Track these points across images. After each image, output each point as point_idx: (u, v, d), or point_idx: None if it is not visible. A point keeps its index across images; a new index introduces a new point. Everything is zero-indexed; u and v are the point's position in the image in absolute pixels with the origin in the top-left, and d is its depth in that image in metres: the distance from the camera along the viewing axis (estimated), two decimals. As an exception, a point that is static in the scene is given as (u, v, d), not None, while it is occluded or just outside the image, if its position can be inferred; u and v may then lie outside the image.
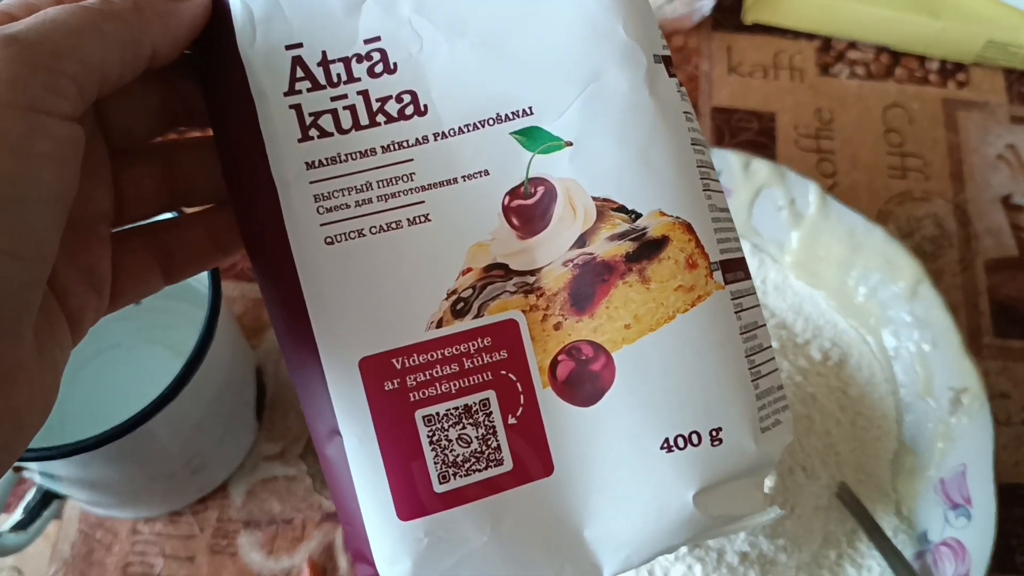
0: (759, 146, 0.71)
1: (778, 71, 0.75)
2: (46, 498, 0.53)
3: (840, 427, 0.56)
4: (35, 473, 0.51)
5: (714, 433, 0.30)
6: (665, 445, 0.30)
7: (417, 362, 0.29)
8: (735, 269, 0.32)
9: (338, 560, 0.57)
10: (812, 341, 0.59)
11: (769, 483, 0.49)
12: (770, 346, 0.33)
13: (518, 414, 0.30)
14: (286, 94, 0.30)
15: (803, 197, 0.59)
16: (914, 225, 0.69)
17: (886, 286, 0.58)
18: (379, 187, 0.30)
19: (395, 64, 0.30)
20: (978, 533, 0.51)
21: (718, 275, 0.31)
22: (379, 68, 0.30)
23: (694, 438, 0.30)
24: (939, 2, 0.73)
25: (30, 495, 0.52)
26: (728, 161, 0.60)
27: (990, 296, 0.67)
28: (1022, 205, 0.70)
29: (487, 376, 0.30)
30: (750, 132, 0.72)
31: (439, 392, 0.29)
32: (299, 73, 0.30)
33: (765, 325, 0.33)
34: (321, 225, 0.30)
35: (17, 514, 0.52)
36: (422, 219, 0.30)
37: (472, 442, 0.29)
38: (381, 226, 0.30)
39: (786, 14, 0.75)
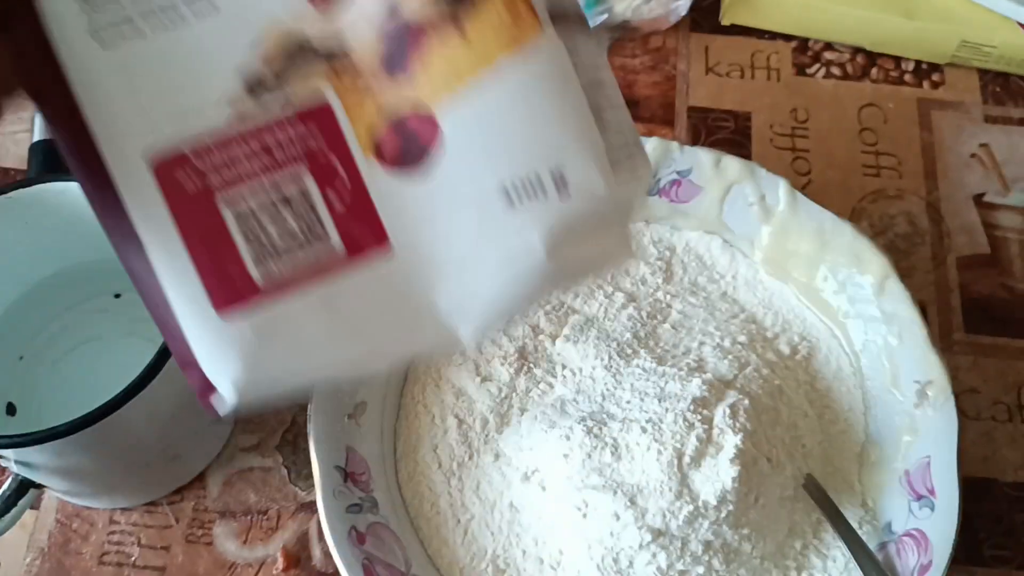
0: (735, 145, 0.72)
1: (755, 71, 0.76)
2: (22, 487, 0.53)
3: (807, 420, 0.57)
4: (11, 461, 0.51)
5: (558, 177, 0.28)
6: (506, 197, 0.28)
7: (217, 153, 0.27)
8: (569, 23, 0.29)
9: (312, 549, 0.58)
10: (781, 335, 0.60)
11: (733, 472, 0.50)
12: (622, 106, 0.30)
13: (341, 192, 0.28)
14: None
15: (773, 193, 0.60)
16: (887, 222, 0.70)
17: (854, 281, 0.59)
18: None
19: None
20: (941, 523, 0.51)
21: (548, 28, 0.28)
22: None
23: (535, 185, 0.28)
24: (914, 3, 0.74)
25: (6, 484, 0.53)
26: (699, 158, 0.61)
27: (962, 293, 0.67)
28: (995, 203, 0.71)
29: (300, 157, 0.28)
30: (726, 131, 0.73)
31: (247, 181, 0.27)
32: None
33: (616, 89, 0.30)
34: (92, 31, 0.27)
35: (-7, 502, 0.53)
36: (208, 9, 0.27)
37: (292, 227, 0.28)
38: (163, 23, 0.27)
39: (763, 16, 0.76)
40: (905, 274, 0.66)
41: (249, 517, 0.59)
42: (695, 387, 0.54)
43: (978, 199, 0.71)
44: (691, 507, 0.50)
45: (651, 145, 0.61)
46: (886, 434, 0.56)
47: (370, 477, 0.54)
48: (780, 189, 0.60)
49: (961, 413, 0.59)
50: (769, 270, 0.62)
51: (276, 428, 0.61)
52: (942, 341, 0.65)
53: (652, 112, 0.73)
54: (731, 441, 0.51)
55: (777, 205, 0.60)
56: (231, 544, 0.58)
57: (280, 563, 0.57)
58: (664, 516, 0.50)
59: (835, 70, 0.76)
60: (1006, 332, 0.66)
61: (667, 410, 0.52)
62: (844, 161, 0.72)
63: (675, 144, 0.61)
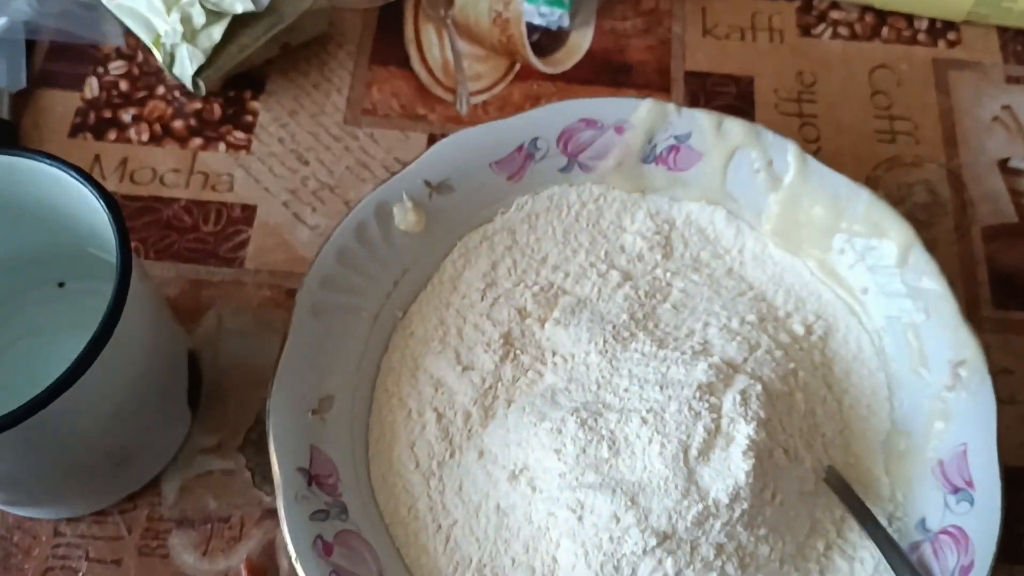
0: (737, 111, 0.66)
1: (756, 33, 0.70)
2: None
3: (826, 406, 0.51)
4: (-65, 469, 0.45)
5: None
6: None
7: None
8: None
9: (279, 560, 0.52)
10: (794, 314, 0.54)
11: (746, 465, 0.44)
12: None
13: None
14: None
15: (781, 158, 0.55)
16: (905, 192, 0.64)
17: (874, 252, 0.53)
18: None
19: None
20: (982, 519, 0.46)
21: None
22: None
23: None
24: (927, -44, 0.68)
25: (-69, 494, 0.47)
26: (698, 121, 0.55)
27: (988, 265, 0.62)
28: (1020, 169, 0.65)
29: None
30: (727, 97, 0.67)
31: None
32: None
33: None
34: None
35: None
36: None
37: None
38: None
39: (764, -27, 0.70)
40: (927, 247, 0.61)
41: (209, 526, 0.53)
42: (700, 372, 0.48)
43: (1002, 165, 0.65)
44: (700, 506, 0.44)
45: (646, 107, 0.55)
46: (915, 420, 0.50)
47: (338, 480, 0.48)
48: (789, 153, 0.55)
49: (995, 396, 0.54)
50: (779, 243, 0.56)
51: (238, 427, 0.55)
52: (970, 318, 0.59)
53: (646, 78, 0.68)
54: (743, 431, 0.45)
55: (786, 171, 0.55)
56: (189, 556, 0.52)
57: (244, 575, 0.52)
58: (670, 517, 0.44)
59: (842, 30, 0.70)
60: (1038, 307, 0.61)
61: (670, 398, 0.47)
62: (855, 127, 0.66)
63: (672, 106, 0.55)
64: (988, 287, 0.61)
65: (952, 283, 0.59)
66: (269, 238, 0.61)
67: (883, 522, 0.48)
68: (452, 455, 0.50)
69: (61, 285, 0.56)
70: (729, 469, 0.45)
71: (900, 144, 0.66)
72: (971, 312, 0.60)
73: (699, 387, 0.47)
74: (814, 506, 0.49)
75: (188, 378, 0.54)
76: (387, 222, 0.53)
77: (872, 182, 0.64)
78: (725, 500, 0.44)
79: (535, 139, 0.55)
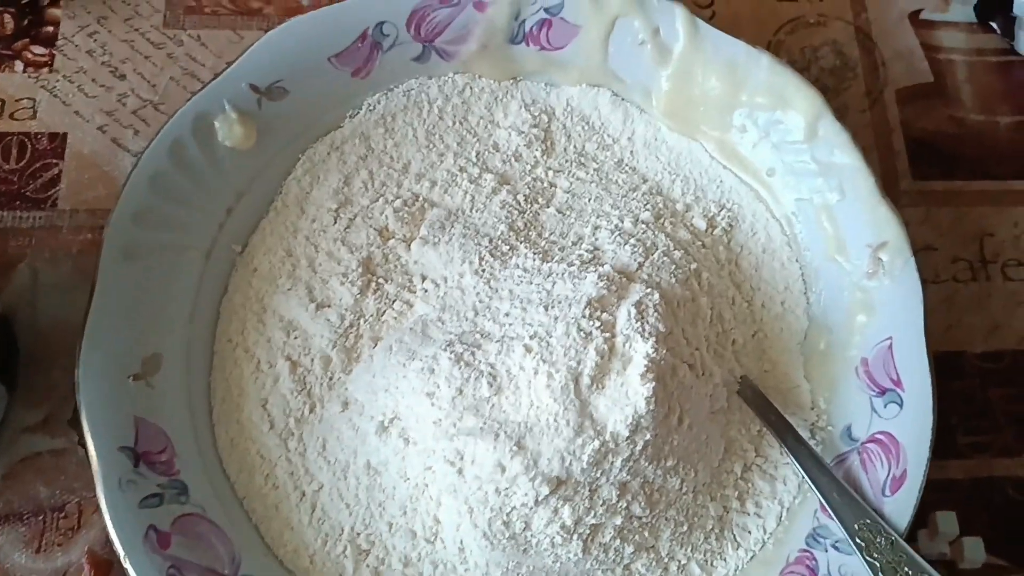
0: (619, -22, 0.58)
1: None
2: None
3: (735, 308, 0.45)
4: None
5: None
6: None
7: None
8: None
9: (127, 548, 0.45)
10: (694, 206, 0.48)
11: (646, 390, 0.38)
12: None
13: None
14: None
15: (668, 26, 0.47)
16: (810, 56, 0.57)
17: (778, 127, 0.46)
18: None
19: None
20: (913, 422, 0.41)
21: None
22: None
23: None
24: None
25: None
26: (571, -12, 0.47)
27: (904, 132, 0.56)
28: (934, 21, 0.59)
29: None
30: (607, -38, 0.59)
31: None
32: None
33: None
34: None
35: None
36: None
37: None
38: None
39: None
40: (837, 117, 0.54)
41: (41, 518, 0.45)
42: (590, 285, 0.41)
43: (914, 17, 0.59)
44: (597, 443, 0.38)
45: (508, -22, 0.47)
46: (834, 314, 0.45)
47: (173, 454, 0.40)
48: (677, 19, 0.47)
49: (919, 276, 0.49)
50: (673, 125, 0.49)
51: (67, 397, 0.47)
52: (888, 192, 0.53)
53: (514, -53, 0.59)
54: (640, 349, 0.39)
55: (675, 40, 0.47)
56: (20, 555, 0.45)
57: (87, 571, 0.44)
58: (563, 459, 0.38)
59: None
60: (959, 173, 0.55)
61: (556, 319, 0.40)
62: (753, -14, 0.59)
63: (539, -27, 0.47)
64: (906, 156, 0.55)
65: (867, 155, 0.54)
66: (85, 171, 0.52)
67: (804, 434, 0.42)
68: (312, 409, 0.43)
69: None
70: (627, 396, 0.38)
71: (802, 3, 0.59)
72: (889, 186, 0.54)
73: (588, 303, 0.40)
74: (728, 425, 0.43)
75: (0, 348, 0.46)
76: (209, 138, 0.44)
77: (775, 48, 0.57)
78: (625, 432, 0.38)
79: (380, 24, 0.46)
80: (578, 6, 0.47)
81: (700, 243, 0.46)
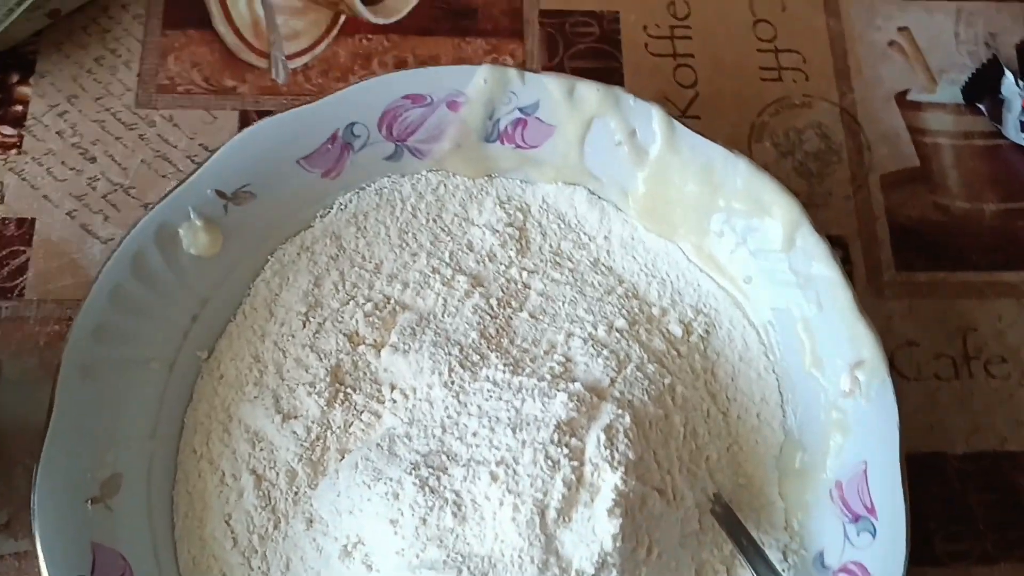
0: (602, 56, 0.57)
1: (620, -42, 0.60)
2: None
3: (710, 422, 0.44)
4: None
5: None
6: None
7: None
8: None
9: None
10: (670, 310, 0.47)
11: (612, 527, 0.37)
12: None
13: None
14: None
15: (645, 126, 0.46)
16: (795, 139, 0.56)
17: (756, 234, 0.45)
18: None
19: None
20: (885, 553, 0.40)
21: None
22: None
23: None
24: None
25: None
26: (545, 87, 0.46)
27: (889, 219, 0.55)
28: (920, 102, 0.58)
29: None
30: (589, 39, 0.58)
31: None
32: None
33: None
34: None
35: None
36: None
37: None
38: None
39: None
40: (820, 203, 0.54)
41: (2, 626, 0.45)
42: (559, 405, 0.40)
43: (900, 98, 0.58)
44: (562, 580, 0.37)
45: (482, 75, 0.46)
46: (810, 432, 0.44)
47: (132, 579, 0.40)
48: (654, 120, 0.46)
49: (898, 373, 0.49)
50: (650, 226, 0.48)
51: (29, 498, 0.46)
52: (870, 283, 0.53)
53: (494, 23, 0.58)
54: (609, 481, 0.38)
55: (651, 141, 0.46)
56: (-20, 665, 0.44)
57: None
58: None
59: (718, -52, 0.61)
60: (944, 264, 0.54)
61: (524, 444, 0.39)
62: (737, 64, 0.58)
63: (513, 71, 0.46)
64: (889, 246, 0.54)
65: (848, 246, 0.54)
66: (53, 259, 0.51)
67: (777, 556, 0.42)
68: (276, 526, 0.42)
69: None
70: (594, 532, 0.38)
71: (788, 82, 0.58)
72: (872, 276, 0.53)
73: (558, 426, 0.39)
74: (700, 546, 0.42)
75: (-43, 446, 0.45)
76: (172, 248, 0.43)
77: (759, 129, 0.56)
78: (591, 570, 0.37)
79: (351, 124, 0.45)
80: (553, 107, 0.46)
81: (675, 352, 0.45)
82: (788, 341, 0.45)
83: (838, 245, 0.51)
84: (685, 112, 0.56)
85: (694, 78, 0.57)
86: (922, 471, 0.49)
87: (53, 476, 0.39)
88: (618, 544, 0.37)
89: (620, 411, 0.40)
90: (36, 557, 0.45)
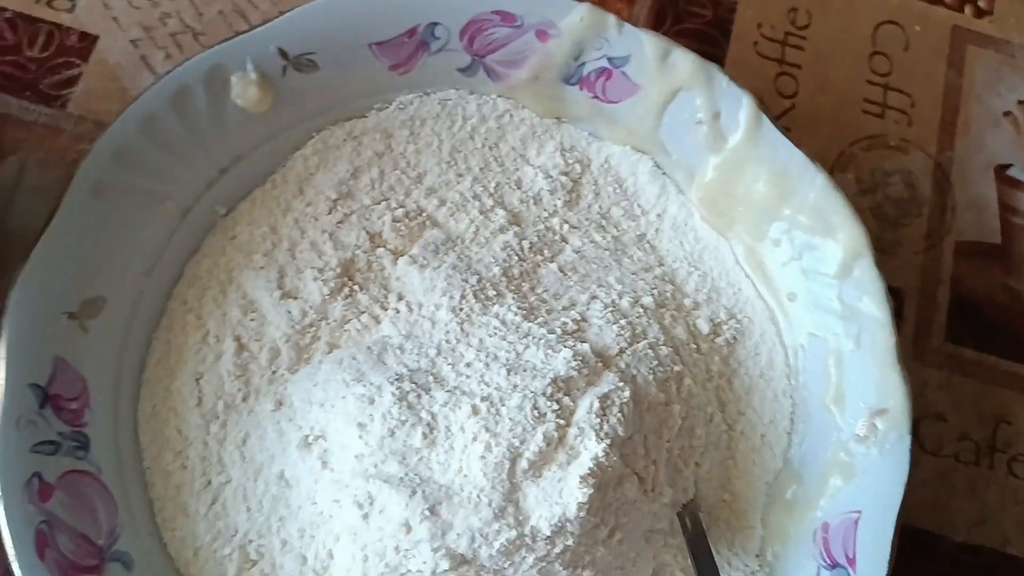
0: (706, 40, 0.55)
1: (755, -51, 0.58)
2: None
3: (711, 428, 0.42)
4: None
5: None
6: None
7: None
8: None
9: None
10: (703, 306, 0.44)
11: (581, 495, 0.35)
12: None
13: None
14: None
15: (732, 113, 0.44)
16: (879, 179, 0.54)
17: (814, 253, 0.43)
18: None
19: None
20: (852, 613, 0.37)
21: None
22: None
23: None
24: (978, -103, 0.56)
25: None
26: (642, 44, 0.44)
27: (953, 287, 0.52)
28: (1020, 180, 0.55)
29: None
30: (699, 20, 0.55)
31: None
32: None
33: None
34: None
35: None
36: None
37: None
38: None
39: None
40: (887, 250, 0.51)
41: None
42: (561, 361, 0.38)
43: (1000, 171, 0.55)
44: (513, 533, 0.35)
45: (580, 12, 0.43)
46: (811, 466, 0.41)
47: (86, 405, 0.38)
48: (743, 108, 0.44)
49: (918, 444, 0.46)
50: (707, 215, 0.46)
51: (13, 306, 0.45)
52: (915, 346, 0.50)
53: (610, -22, 0.55)
54: (591, 450, 0.36)
55: (734, 129, 0.44)
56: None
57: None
58: (473, 539, 0.35)
59: (857, -31, 0.58)
60: (996, 348, 0.51)
61: (515, 388, 0.37)
62: (842, 89, 0.55)
63: (612, 19, 0.44)
64: (946, 313, 0.51)
65: (903, 300, 0.51)
66: (105, 81, 0.49)
67: (738, 584, 0.39)
68: (245, 398, 0.41)
69: None
70: (560, 495, 0.35)
71: (889, 120, 0.55)
72: (919, 339, 0.50)
73: (554, 381, 0.37)
74: (665, 548, 0.40)
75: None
76: (221, 93, 0.41)
77: (844, 159, 0.54)
78: (546, 531, 0.35)
79: (433, 24, 0.43)
80: (643, 66, 0.44)
81: (695, 346, 0.43)
82: (815, 370, 0.43)
83: (894, 296, 0.48)
84: (776, 121, 0.53)
85: (795, 89, 0.55)
86: (915, 546, 0.47)
87: (37, 278, 0.37)
88: (582, 515, 0.35)
89: (622, 384, 0.38)
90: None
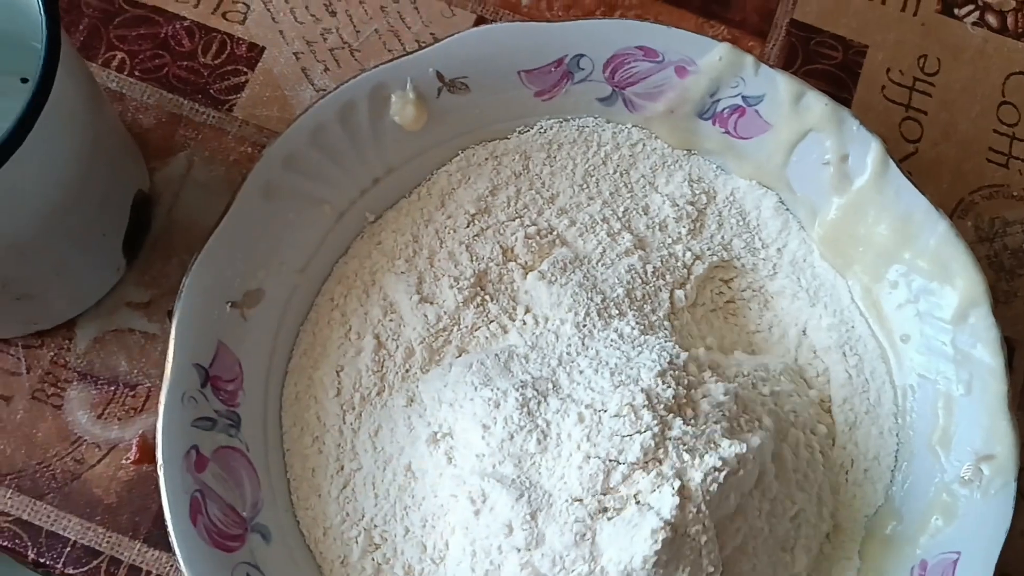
0: (835, 82, 0.56)
1: (889, -5, 0.59)
2: None
3: (811, 467, 0.43)
4: None
5: None
6: None
7: None
8: None
9: (174, 447, 0.47)
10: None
11: (646, 550, 0.36)
12: None
13: None
14: None
15: (859, 156, 0.45)
16: (999, 229, 0.54)
17: (930, 298, 0.44)
18: None
19: None
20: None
21: None
22: None
23: None
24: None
25: None
26: (776, 85, 0.46)
27: (1067, 341, 0.52)
28: None
29: None
30: (829, 62, 0.57)
31: None
32: None
33: None
34: None
35: None
36: None
37: None
38: None
39: (921, -75, 0.59)
40: (1002, 300, 0.52)
41: (113, 387, 0.48)
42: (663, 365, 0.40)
43: (1126, 229, 0.55)
44: (585, 568, 0.37)
45: (720, 52, 0.46)
46: (912, 504, 0.43)
47: (240, 387, 0.42)
48: (871, 152, 0.45)
49: (1020, 494, 0.46)
50: (827, 253, 0.47)
51: (174, 289, 0.49)
52: (1019, 403, 0.50)
53: (744, 16, 0.57)
54: (668, 503, 0.37)
55: (860, 172, 0.45)
56: (84, 415, 0.48)
57: (133, 453, 0.47)
58: (555, 562, 0.37)
59: (991, 18, 0.59)
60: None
61: (616, 388, 0.39)
62: (968, 137, 0.56)
63: (750, 59, 0.46)
64: (1058, 367, 0.52)
65: (1014, 351, 0.51)
66: (268, 89, 0.54)
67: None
68: (380, 392, 0.44)
69: (24, 81, 0.50)
70: (631, 540, 0.37)
71: (1013, 171, 0.55)
72: (1026, 391, 0.51)
73: (655, 383, 0.39)
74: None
75: (132, 221, 0.48)
76: (381, 109, 0.45)
77: (965, 207, 0.55)
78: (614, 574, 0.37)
79: (579, 56, 0.46)
80: (776, 105, 0.46)
81: (803, 380, 0.45)
82: (923, 411, 0.44)
83: (1007, 345, 0.49)
84: (899, 164, 0.54)
85: (919, 135, 0.56)
86: (1009, 595, 0.47)
87: (208, 269, 0.41)
88: (648, 567, 0.36)
89: (750, 437, 0.39)
90: (162, 341, 0.49)
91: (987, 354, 0.42)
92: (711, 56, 0.46)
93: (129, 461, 0.47)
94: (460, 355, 0.44)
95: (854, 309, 0.46)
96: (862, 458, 0.44)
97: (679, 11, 0.57)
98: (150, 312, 0.50)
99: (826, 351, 0.46)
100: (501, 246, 0.46)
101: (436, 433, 0.42)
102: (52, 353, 0.48)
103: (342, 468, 0.43)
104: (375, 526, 0.42)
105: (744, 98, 0.46)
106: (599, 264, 0.46)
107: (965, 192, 0.55)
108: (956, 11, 0.59)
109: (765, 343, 0.46)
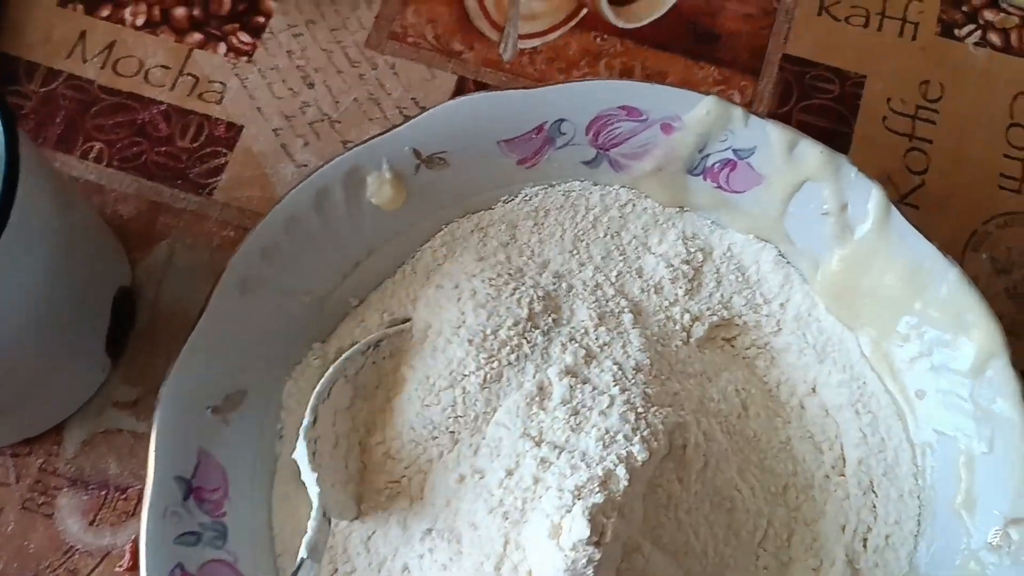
0: (834, 117, 0.54)
1: (884, 20, 0.57)
2: None
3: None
4: None
5: None
6: None
7: None
8: None
9: (169, 550, 0.45)
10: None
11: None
12: None
13: None
14: None
15: (860, 204, 0.43)
16: (1016, 259, 0.52)
17: (945, 350, 0.42)
18: None
19: None
20: None
21: None
22: None
23: None
24: None
25: None
26: (767, 136, 0.44)
27: (1096, 374, 0.49)
28: None
29: None
30: (826, 96, 0.55)
31: None
32: None
33: None
34: None
35: None
36: None
37: None
38: None
39: (913, -54, 0.56)
40: (1021, 336, 0.49)
41: (104, 491, 0.47)
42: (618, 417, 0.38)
43: None
44: None
45: (706, 106, 0.44)
46: (939, 573, 0.40)
47: (226, 495, 0.40)
48: (871, 200, 0.43)
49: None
50: (832, 307, 0.45)
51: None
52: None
53: (734, 55, 0.55)
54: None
55: (862, 221, 0.43)
56: (75, 523, 0.46)
57: (127, 560, 0.45)
58: None
59: (994, 37, 0.56)
60: None
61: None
62: (977, 164, 0.54)
63: (739, 111, 0.44)
64: (1088, 403, 0.49)
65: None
66: (248, 168, 0.52)
67: None
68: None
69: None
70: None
71: (1027, 197, 0.53)
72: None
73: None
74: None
75: (116, 318, 0.47)
76: (357, 193, 0.43)
77: (979, 238, 0.52)
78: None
79: (560, 121, 0.44)
80: (768, 157, 0.44)
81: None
82: (944, 471, 0.41)
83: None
84: (905, 198, 0.52)
85: (925, 165, 0.53)
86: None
87: (187, 375, 0.40)
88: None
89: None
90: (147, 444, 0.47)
91: (1009, 408, 0.40)
92: (698, 110, 0.44)
93: (123, 568, 0.45)
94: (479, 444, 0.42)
95: (864, 364, 0.44)
96: (882, 523, 0.42)
97: (666, 55, 0.56)
98: (138, 411, 0.48)
99: (838, 409, 0.44)
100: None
101: (430, 529, 0.40)
102: (41, 460, 0.47)
103: (336, 570, 0.41)
104: (373, 630, 0.40)
105: (735, 151, 0.44)
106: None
107: (978, 222, 0.52)
108: (956, 32, 0.56)
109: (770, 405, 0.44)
